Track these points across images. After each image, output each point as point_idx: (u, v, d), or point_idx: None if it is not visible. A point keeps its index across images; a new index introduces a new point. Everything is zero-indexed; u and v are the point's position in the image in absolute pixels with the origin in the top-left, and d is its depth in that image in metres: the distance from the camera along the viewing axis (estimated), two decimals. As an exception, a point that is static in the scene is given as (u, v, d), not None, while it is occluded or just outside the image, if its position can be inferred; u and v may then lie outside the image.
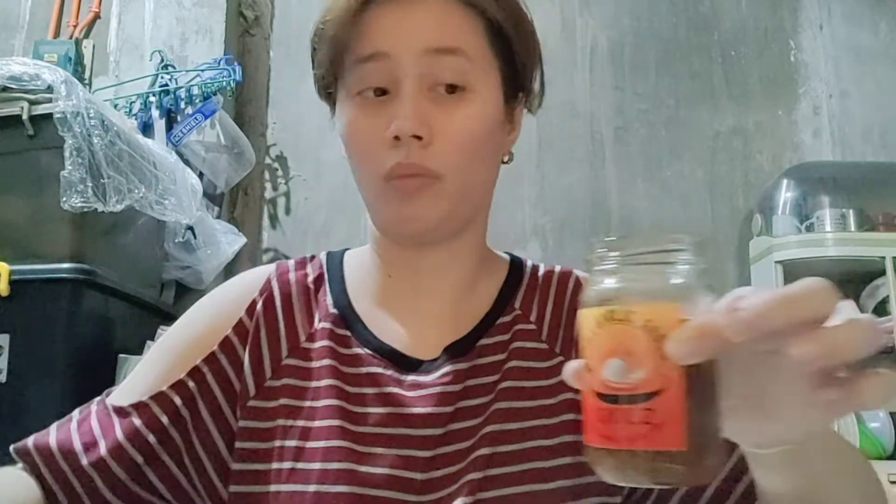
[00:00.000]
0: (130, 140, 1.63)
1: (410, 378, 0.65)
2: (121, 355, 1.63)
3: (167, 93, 2.05)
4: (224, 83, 2.07)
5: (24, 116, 1.51)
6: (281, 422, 0.64)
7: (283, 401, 0.65)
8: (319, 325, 0.69)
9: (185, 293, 2.03)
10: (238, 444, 0.65)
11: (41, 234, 1.52)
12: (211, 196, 2.10)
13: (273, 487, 0.62)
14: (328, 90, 0.69)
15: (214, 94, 2.05)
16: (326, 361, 0.66)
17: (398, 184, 0.63)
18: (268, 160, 2.39)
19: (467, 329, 0.68)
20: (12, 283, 1.46)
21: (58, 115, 1.46)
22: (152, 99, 2.04)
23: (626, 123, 2.47)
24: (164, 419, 0.64)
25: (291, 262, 0.74)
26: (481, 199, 0.70)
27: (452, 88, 0.64)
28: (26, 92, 1.52)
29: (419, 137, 0.61)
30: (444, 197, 0.64)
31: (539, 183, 2.40)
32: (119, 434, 0.64)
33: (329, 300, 0.70)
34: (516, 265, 0.74)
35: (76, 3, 2.30)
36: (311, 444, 0.63)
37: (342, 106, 0.66)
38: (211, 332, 0.68)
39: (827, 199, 2.17)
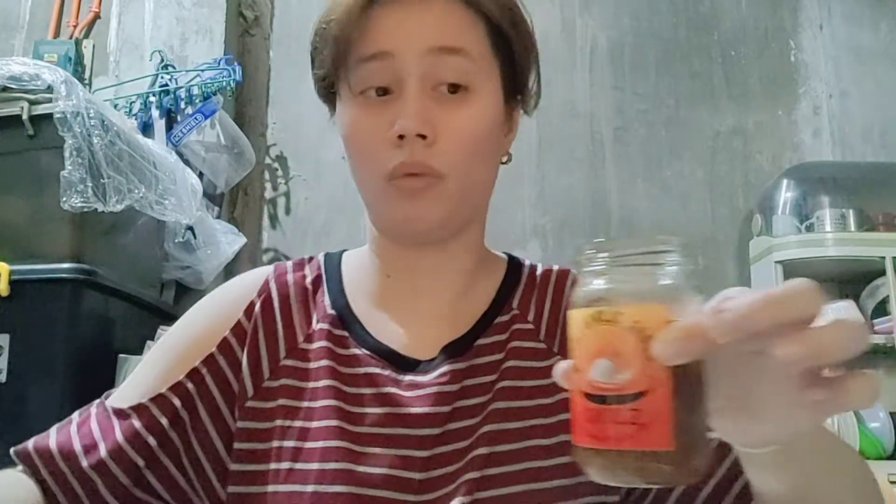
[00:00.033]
0: (130, 140, 1.63)
1: (408, 378, 0.65)
2: (121, 355, 1.64)
3: (167, 93, 2.05)
4: (224, 83, 2.07)
5: (24, 116, 1.51)
6: (279, 422, 0.65)
7: (281, 401, 0.65)
8: (317, 325, 0.69)
9: (185, 293, 2.03)
10: (236, 445, 0.65)
11: (41, 234, 1.52)
12: (211, 196, 2.10)
13: (271, 488, 0.62)
14: (330, 90, 0.69)
15: (214, 94, 2.05)
16: (324, 362, 0.66)
17: (401, 183, 0.63)
18: (268, 160, 2.39)
19: (465, 329, 0.68)
20: (12, 283, 1.46)
21: (58, 115, 1.46)
22: (152, 99, 2.04)
23: (626, 123, 2.47)
24: (164, 421, 0.64)
25: (289, 264, 0.74)
26: (481, 199, 0.70)
27: (455, 88, 0.64)
28: (26, 92, 1.52)
29: (423, 137, 0.62)
30: (446, 197, 0.64)
31: (539, 183, 2.40)
32: (119, 436, 0.64)
33: (327, 301, 0.70)
34: (514, 265, 0.75)
35: (76, 3, 2.30)
36: (309, 445, 0.63)
37: (343, 106, 0.66)
38: (209, 334, 0.68)
39: (827, 199, 2.18)
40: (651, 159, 2.45)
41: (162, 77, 2.10)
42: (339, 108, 0.68)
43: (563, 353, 0.68)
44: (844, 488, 0.49)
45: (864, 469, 0.53)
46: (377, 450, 0.62)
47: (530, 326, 0.69)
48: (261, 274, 0.73)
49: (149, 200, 1.62)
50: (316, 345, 0.68)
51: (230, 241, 2.01)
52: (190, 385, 0.66)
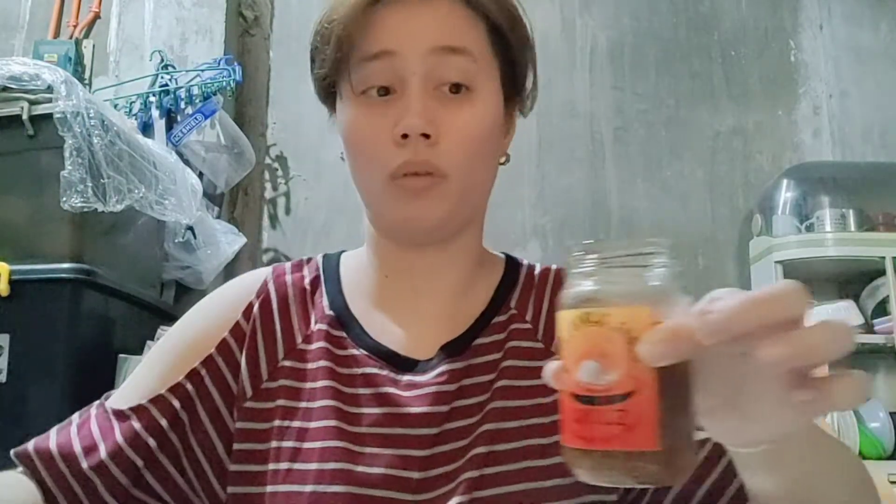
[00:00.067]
0: (130, 140, 1.63)
1: (406, 378, 0.65)
2: (121, 355, 1.64)
3: (167, 93, 2.05)
4: (224, 83, 2.07)
5: (24, 116, 1.51)
6: (277, 423, 0.65)
7: (279, 402, 0.66)
8: (316, 326, 0.69)
9: (185, 293, 2.03)
10: (235, 446, 0.65)
11: (41, 234, 1.52)
12: (211, 196, 2.10)
13: (270, 488, 0.62)
14: (330, 90, 0.69)
15: (214, 94, 2.06)
16: (322, 363, 0.66)
17: (404, 182, 0.63)
18: (268, 160, 2.39)
19: (463, 328, 0.68)
20: (12, 283, 1.46)
21: (58, 115, 1.46)
22: (152, 99, 2.04)
23: (626, 123, 2.47)
24: (164, 422, 0.65)
25: (288, 265, 0.75)
26: (481, 199, 0.70)
27: (457, 88, 0.64)
28: (26, 92, 1.52)
29: (427, 136, 0.62)
30: (448, 196, 0.64)
31: (539, 183, 2.40)
32: (119, 437, 0.64)
33: (325, 302, 0.70)
34: (512, 265, 0.75)
35: (76, 3, 2.30)
36: (307, 445, 0.63)
37: (344, 106, 0.66)
38: (208, 335, 0.69)
39: (827, 199, 2.18)
40: (651, 159, 2.45)
41: (162, 77, 2.10)
42: (339, 107, 0.68)
43: None
44: (839, 488, 0.49)
45: (859, 468, 0.53)
46: (376, 449, 0.62)
47: (528, 326, 0.69)
48: (259, 275, 0.73)
49: (149, 200, 1.62)
50: (314, 345, 0.68)
51: (230, 241, 2.01)
52: (189, 386, 0.66)
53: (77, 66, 2.20)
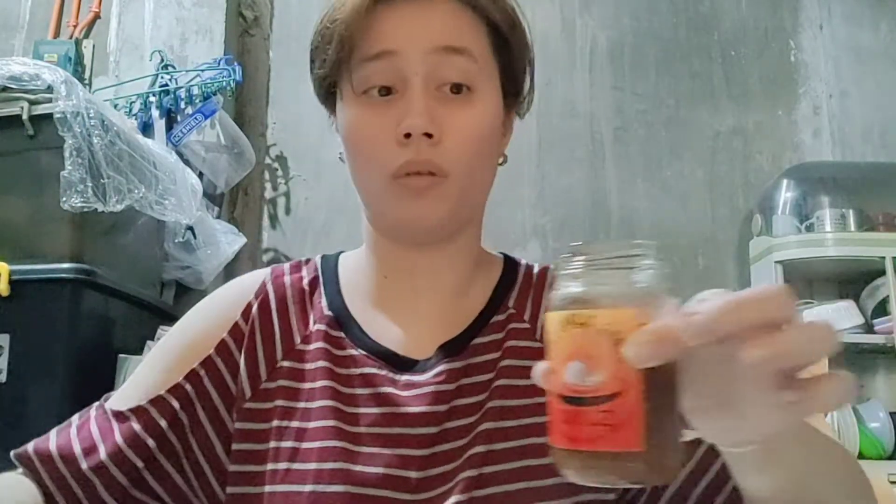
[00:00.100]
0: (130, 140, 1.63)
1: (405, 378, 0.65)
2: (121, 355, 1.64)
3: (167, 93, 2.05)
4: (224, 83, 2.07)
5: (24, 116, 1.51)
6: (276, 423, 0.65)
7: (278, 402, 0.66)
8: (314, 327, 0.69)
9: (185, 293, 2.03)
10: (234, 446, 0.65)
11: (41, 234, 1.52)
12: (211, 196, 2.10)
13: (269, 488, 0.62)
14: (330, 90, 0.69)
15: (214, 94, 2.06)
16: (321, 363, 0.66)
17: (407, 182, 0.63)
18: (268, 160, 2.39)
19: (461, 328, 0.69)
20: (12, 283, 1.46)
21: (58, 115, 1.46)
22: (152, 99, 2.04)
23: (626, 123, 2.47)
24: (163, 423, 0.65)
25: (286, 266, 0.75)
26: (480, 199, 0.70)
27: (457, 89, 0.64)
28: (26, 92, 1.52)
29: (429, 135, 0.62)
30: (449, 196, 0.64)
31: (539, 183, 2.40)
32: (118, 439, 0.64)
33: (324, 302, 0.71)
34: (510, 265, 0.75)
35: (76, 3, 2.30)
36: (306, 445, 0.63)
37: (345, 106, 0.66)
38: (207, 336, 0.69)
39: (827, 199, 2.18)
40: (651, 159, 2.45)
41: (162, 77, 2.10)
42: (340, 108, 0.68)
43: None
44: (834, 488, 0.49)
45: (854, 468, 0.53)
46: (374, 449, 0.62)
47: (526, 326, 0.69)
48: (258, 276, 0.73)
49: (149, 200, 1.62)
50: (313, 346, 0.68)
51: (230, 241, 2.01)
52: (188, 387, 0.66)
53: (77, 66, 2.20)
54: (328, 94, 0.70)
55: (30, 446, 0.65)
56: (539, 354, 0.67)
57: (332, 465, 0.61)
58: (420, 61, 0.63)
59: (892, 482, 1.77)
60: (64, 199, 1.44)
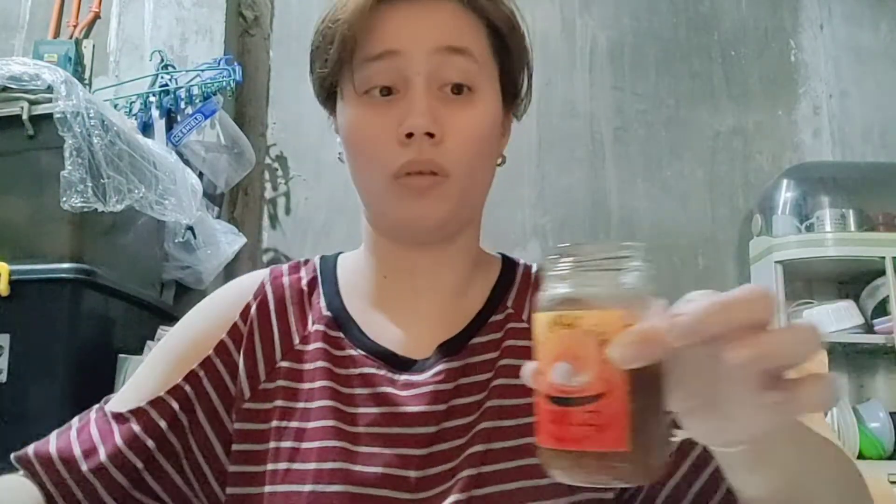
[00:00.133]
0: (130, 140, 1.63)
1: (403, 377, 0.66)
2: (121, 355, 1.64)
3: (167, 93, 2.05)
4: (224, 83, 2.07)
5: (24, 116, 1.51)
6: (275, 423, 0.65)
7: (277, 402, 0.66)
8: (313, 327, 0.69)
9: (185, 293, 2.03)
10: (234, 447, 0.65)
11: (41, 234, 1.52)
12: (211, 196, 2.10)
13: (269, 488, 0.62)
14: (331, 90, 0.69)
15: (214, 94, 2.06)
16: (320, 363, 0.67)
17: (409, 181, 0.63)
18: (268, 160, 2.39)
19: (460, 328, 0.69)
20: (12, 283, 1.46)
21: (58, 115, 1.46)
22: (152, 99, 2.04)
23: (626, 123, 2.47)
24: (163, 424, 0.65)
25: (285, 267, 0.75)
26: (479, 199, 0.71)
27: (458, 89, 0.64)
28: (26, 92, 1.52)
29: (431, 135, 0.62)
30: (450, 195, 0.64)
31: (539, 183, 2.40)
32: (118, 440, 0.64)
33: (322, 303, 0.71)
34: (509, 265, 0.75)
35: (76, 3, 2.30)
36: (305, 445, 0.63)
37: (346, 106, 0.67)
38: (207, 337, 0.69)
39: (827, 199, 2.18)
40: (651, 159, 2.45)
41: (162, 77, 2.10)
42: (340, 108, 0.68)
43: None
44: (828, 488, 0.49)
45: (849, 469, 0.53)
46: (374, 449, 0.62)
47: (524, 325, 0.69)
48: (256, 277, 0.74)
49: (149, 200, 1.62)
50: (311, 346, 0.68)
51: (230, 241, 2.01)
52: (188, 388, 0.66)
53: (77, 66, 2.20)
54: (328, 94, 0.70)
55: (30, 449, 0.65)
56: None
57: (331, 465, 0.61)
58: (422, 61, 0.63)
59: (893, 482, 1.77)
60: (64, 199, 1.44)
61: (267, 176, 2.38)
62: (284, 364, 0.68)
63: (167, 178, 1.73)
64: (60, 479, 0.63)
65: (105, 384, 1.59)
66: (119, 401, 0.67)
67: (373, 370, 0.66)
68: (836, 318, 2.12)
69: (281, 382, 0.67)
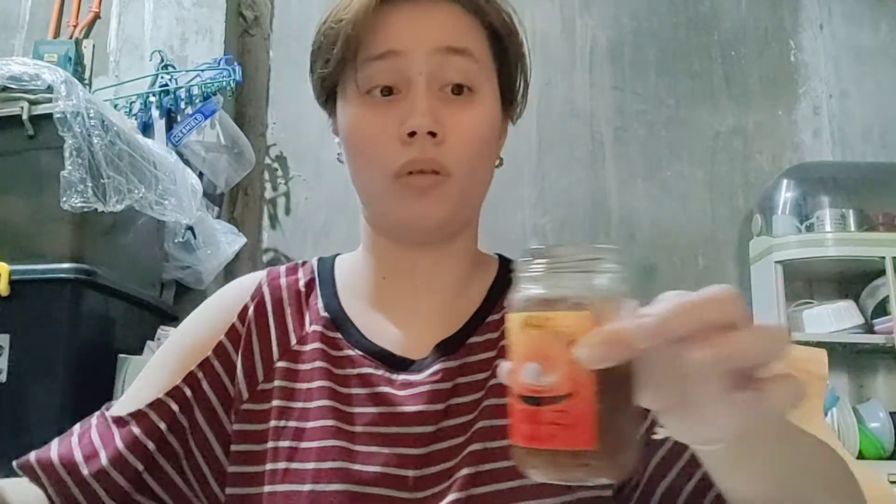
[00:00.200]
0: (130, 140, 1.63)
1: (401, 377, 0.66)
2: (121, 355, 1.64)
3: (167, 93, 2.05)
4: (224, 83, 2.07)
5: (24, 116, 1.51)
6: (273, 423, 0.65)
7: (275, 402, 0.66)
8: (310, 328, 0.69)
9: (185, 293, 2.03)
10: (233, 447, 0.66)
11: (41, 234, 1.52)
12: (211, 196, 2.10)
13: (268, 488, 0.63)
14: (332, 90, 0.69)
15: (214, 94, 2.06)
16: (318, 363, 0.67)
17: (410, 181, 0.64)
18: (268, 160, 2.39)
19: (457, 327, 0.69)
20: (12, 283, 1.46)
21: (58, 115, 1.46)
22: (152, 99, 2.04)
23: (626, 124, 2.47)
24: (163, 426, 0.65)
25: (283, 268, 0.75)
26: (478, 200, 0.71)
27: (459, 90, 0.65)
28: (26, 92, 1.52)
29: (433, 134, 0.63)
30: (450, 196, 0.65)
31: (539, 183, 2.40)
32: (119, 443, 0.64)
33: (320, 304, 0.71)
34: (506, 265, 0.75)
35: (76, 3, 2.30)
36: (304, 445, 0.63)
37: (347, 105, 0.67)
38: (206, 339, 0.69)
39: (827, 199, 2.18)
40: (651, 159, 2.45)
41: (162, 77, 2.10)
42: (341, 108, 0.68)
43: None
44: (819, 489, 0.49)
45: (842, 470, 0.53)
46: (372, 448, 0.63)
47: None
48: (254, 278, 0.74)
49: (149, 200, 1.62)
50: (309, 346, 0.68)
51: (230, 241, 2.01)
52: (187, 389, 0.67)
53: (77, 66, 2.20)
54: (328, 94, 0.70)
55: (31, 456, 0.65)
56: None
57: (330, 465, 0.62)
58: (424, 61, 0.63)
59: (893, 482, 1.77)
60: (64, 199, 1.44)
61: (267, 176, 2.38)
62: (282, 364, 0.68)
63: (167, 178, 1.73)
64: (62, 484, 0.63)
65: (105, 384, 1.59)
66: (120, 406, 0.68)
67: (371, 370, 0.66)
68: (836, 318, 2.12)
69: (278, 382, 0.67)
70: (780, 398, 0.37)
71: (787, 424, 0.46)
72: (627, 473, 0.41)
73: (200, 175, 2.02)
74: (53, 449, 0.65)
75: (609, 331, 0.38)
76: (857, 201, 2.17)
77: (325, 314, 0.70)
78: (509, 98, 0.72)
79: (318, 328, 0.69)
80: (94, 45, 2.27)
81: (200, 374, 0.67)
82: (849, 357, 2.26)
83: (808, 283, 2.33)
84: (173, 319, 1.89)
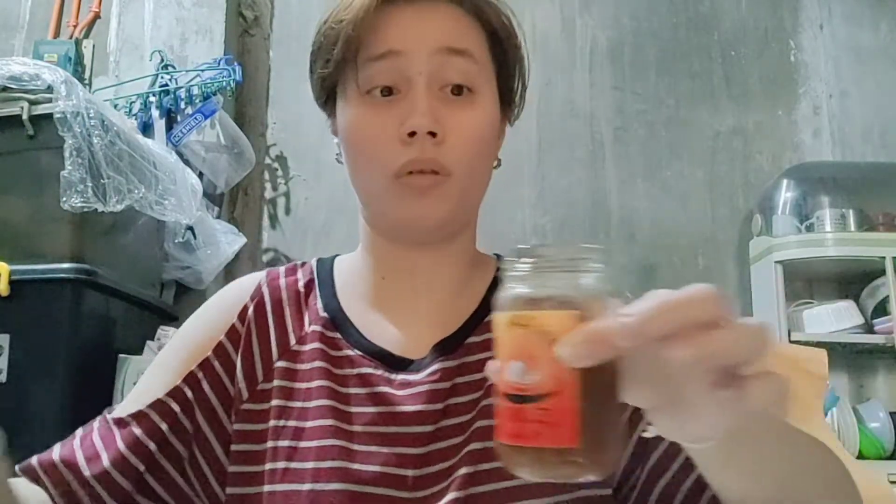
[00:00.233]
0: (130, 140, 1.63)
1: (400, 377, 0.66)
2: (121, 355, 1.64)
3: (167, 93, 2.05)
4: (224, 83, 2.07)
5: (24, 116, 1.51)
6: (273, 423, 0.65)
7: (275, 402, 0.66)
8: (310, 328, 0.70)
9: (185, 293, 2.03)
10: (233, 447, 0.66)
11: (41, 234, 1.52)
12: (211, 196, 2.10)
13: (268, 487, 0.63)
14: (332, 90, 0.69)
15: (214, 94, 2.06)
16: (317, 363, 0.67)
17: (410, 180, 0.64)
18: (268, 160, 2.39)
19: (456, 327, 0.69)
20: (12, 283, 1.46)
21: (58, 115, 1.46)
22: (152, 99, 2.04)
23: (626, 123, 2.47)
24: (164, 426, 0.66)
25: (282, 269, 0.76)
26: (477, 200, 0.71)
27: (458, 90, 0.65)
28: (26, 92, 1.52)
29: (433, 134, 0.63)
30: (450, 196, 0.65)
31: (539, 183, 2.40)
32: (120, 445, 0.65)
33: (319, 304, 0.71)
34: None
35: (76, 3, 2.30)
36: (304, 444, 0.63)
37: (347, 105, 0.67)
38: (206, 339, 0.70)
39: (827, 199, 2.18)
40: (651, 159, 2.45)
41: (162, 77, 2.10)
42: (341, 108, 0.68)
43: None
44: (814, 489, 0.49)
45: (838, 470, 0.52)
46: (371, 448, 0.63)
47: None
48: (254, 279, 0.74)
49: (149, 200, 1.62)
50: (308, 346, 0.68)
51: (230, 241, 2.01)
52: (187, 390, 0.67)
53: (77, 66, 2.20)
54: (328, 95, 0.70)
55: (33, 459, 0.65)
56: None
57: (330, 464, 0.62)
58: (424, 61, 0.64)
59: (893, 482, 1.77)
60: (64, 199, 1.44)
61: (267, 176, 2.38)
62: (281, 364, 0.68)
63: (167, 178, 1.73)
64: (64, 485, 0.63)
65: (105, 384, 1.59)
66: (121, 408, 0.68)
67: (370, 370, 0.66)
68: (836, 318, 2.12)
69: (278, 382, 0.67)
70: (762, 396, 0.37)
71: (782, 424, 0.46)
72: (613, 470, 0.41)
73: (200, 175, 2.02)
74: (55, 451, 0.66)
75: (591, 330, 0.38)
76: (857, 201, 2.17)
77: (325, 314, 0.70)
78: (508, 100, 0.72)
79: (318, 328, 0.69)
80: (94, 45, 2.27)
81: (201, 375, 0.68)
82: (849, 357, 2.26)
83: (808, 283, 2.33)
84: (173, 319, 1.89)
